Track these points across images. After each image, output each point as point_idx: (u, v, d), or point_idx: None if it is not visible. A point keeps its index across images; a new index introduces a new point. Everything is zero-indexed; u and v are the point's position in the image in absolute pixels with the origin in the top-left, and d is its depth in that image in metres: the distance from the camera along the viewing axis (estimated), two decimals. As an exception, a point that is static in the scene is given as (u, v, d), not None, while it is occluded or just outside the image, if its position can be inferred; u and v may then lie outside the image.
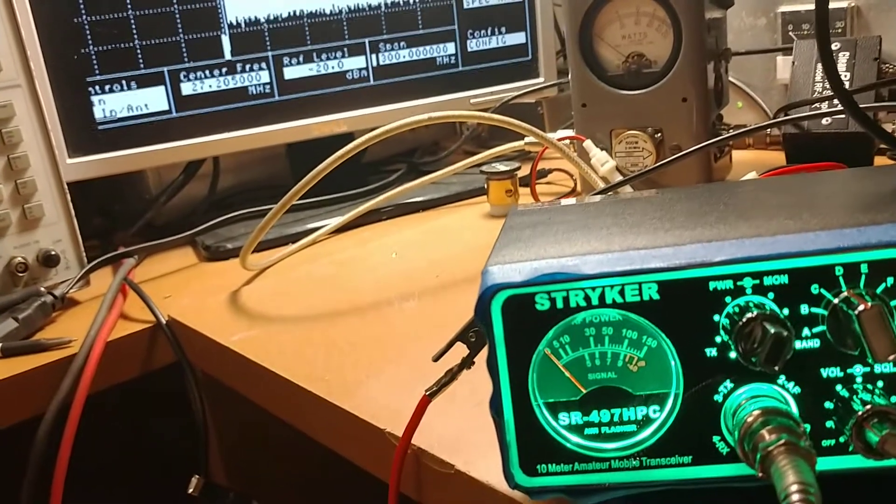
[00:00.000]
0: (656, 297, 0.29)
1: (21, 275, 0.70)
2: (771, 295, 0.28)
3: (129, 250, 0.79)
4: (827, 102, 0.73)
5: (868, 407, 0.27)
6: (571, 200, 0.55)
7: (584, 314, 0.29)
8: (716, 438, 0.29)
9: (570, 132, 0.81)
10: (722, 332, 0.28)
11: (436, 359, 0.45)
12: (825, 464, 0.29)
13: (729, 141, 0.75)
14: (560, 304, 0.29)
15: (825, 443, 0.28)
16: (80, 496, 0.62)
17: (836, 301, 0.27)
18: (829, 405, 0.28)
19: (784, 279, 0.28)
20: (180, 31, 0.84)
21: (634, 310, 0.29)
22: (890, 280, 0.27)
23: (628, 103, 0.76)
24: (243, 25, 0.86)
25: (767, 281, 0.28)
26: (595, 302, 0.29)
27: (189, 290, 0.75)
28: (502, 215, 0.83)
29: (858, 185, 0.45)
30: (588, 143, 0.77)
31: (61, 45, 0.79)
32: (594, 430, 0.30)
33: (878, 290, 0.27)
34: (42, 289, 0.70)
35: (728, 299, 0.28)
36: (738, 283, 0.28)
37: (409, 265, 0.73)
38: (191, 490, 0.64)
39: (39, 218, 0.71)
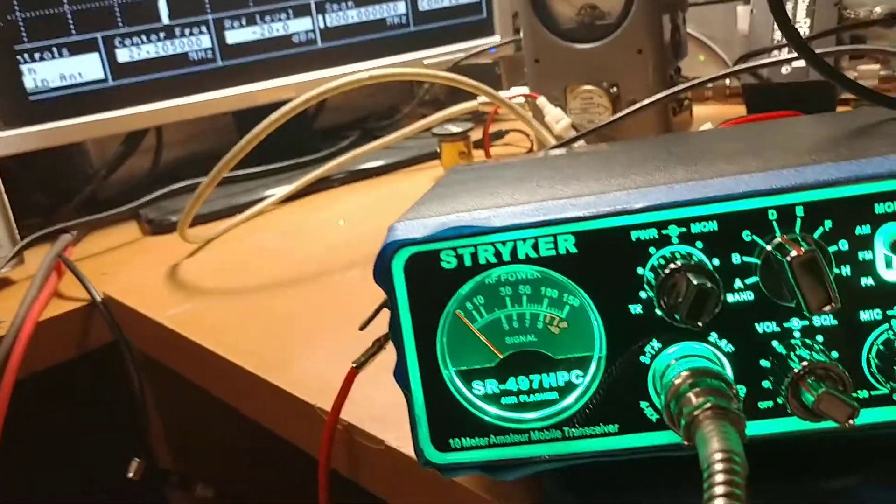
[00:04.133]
0: (574, 250, 0.26)
1: (-53, 255, 0.66)
2: (699, 244, 0.25)
3: (65, 226, 0.75)
4: (787, 50, 0.70)
5: (805, 364, 0.24)
6: (517, 158, 0.52)
7: (498, 271, 0.26)
8: (644, 404, 0.26)
9: (524, 89, 0.78)
10: (647, 286, 0.26)
11: (362, 328, 0.42)
12: (762, 427, 0.26)
13: (685, 93, 0.72)
14: (468, 262, 0.26)
15: (762, 405, 0.26)
16: (17, 481, 0.59)
17: (769, 248, 0.24)
18: (765, 363, 0.26)
19: (713, 226, 0.25)
20: (113, -7, 0.79)
21: (551, 265, 0.26)
22: (828, 224, 0.25)
23: (582, 57, 0.73)
24: (180, -13, 0.82)
25: (695, 228, 0.25)
26: (507, 258, 0.26)
27: (129, 265, 0.72)
28: (457, 179, 0.80)
29: (812, 130, 0.42)
30: (542, 100, 0.74)
31: (-16, 11, 0.75)
32: (512, 399, 0.27)
33: (816, 235, 0.25)
34: (-29, 269, 0.66)
35: (653, 250, 0.25)
36: (663, 232, 0.25)
37: (357, 233, 0.70)
38: (131, 474, 0.61)
39: (-36, 195, 0.67)
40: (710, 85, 0.87)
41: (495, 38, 0.96)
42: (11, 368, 0.58)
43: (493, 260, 0.26)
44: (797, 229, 0.25)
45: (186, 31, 0.83)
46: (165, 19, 0.82)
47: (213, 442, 0.70)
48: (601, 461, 0.27)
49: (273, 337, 0.52)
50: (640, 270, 0.26)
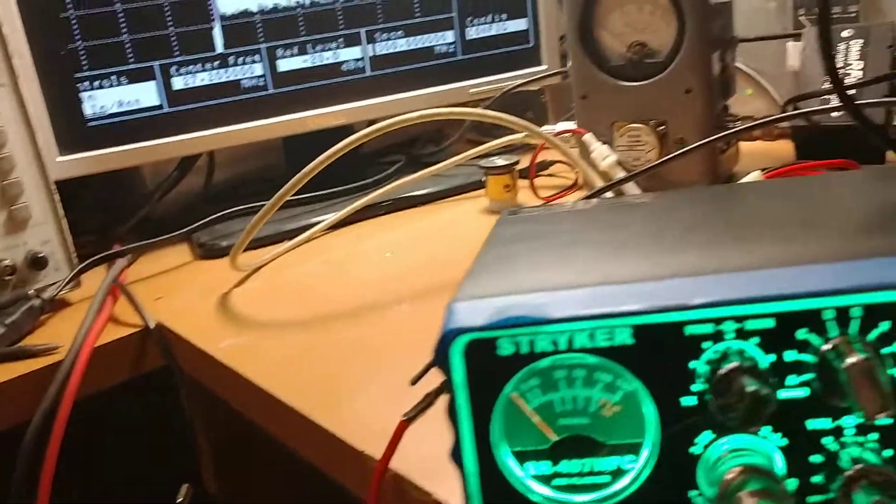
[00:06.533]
0: (630, 341, 0.26)
1: (8, 278, 0.69)
2: (755, 340, 0.26)
3: (121, 250, 0.77)
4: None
5: (858, 467, 0.24)
6: (568, 203, 0.53)
7: (554, 358, 0.27)
8: (693, 493, 0.27)
9: (570, 124, 0.79)
10: (700, 379, 0.26)
11: (413, 383, 0.43)
12: (812, 522, 0.26)
13: (734, 136, 0.72)
14: (525, 349, 0.27)
15: (811, 499, 0.26)
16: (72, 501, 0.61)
17: (824, 348, 0.25)
18: (816, 459, 0.26)
19: (769, 323, 0.25)
20: (170, 23, 0.82)
21: (606, 354, 0.27)
22: (885, 325, 0.25)
23: (630, 95, 0.73)
24: (235, 17, 0.84)
25: (750, 325, 0.26)
26: (563, 347, 0.27)
27: (182, 290, 0.74)
28: (501, 210, 0.81)
29: (867, 193, 0.42)
30: (589, 137, 0.75)
31: (48, 40, 0.77)
32: (564, 482, 0.28)
33: (871, 337, 0.25)
34: (31, 292, 0.68)
35: (707, 344, 0.26)
36: (718, 327, 0.26)
37: (404, 265, 0.71)
38: (180, 499, 0.63)
39: (27, 219, 0.70)
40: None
41: (542, 68, 0.96)
42: (69, 393, 0.60)
43: (549, 349, 0.27)
44: (853, 330, 0.25)
45: (240, 59, 0.85)
46: (220, 48, 0.84)
47: (260, 468, 0.71)
48: (650, 546, 0.27)
49: (323, 375, 0.53)
50: (693, 364, 0.26)
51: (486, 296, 0.28)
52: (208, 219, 0.81)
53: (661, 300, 0.26)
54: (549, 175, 0.89)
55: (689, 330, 0.26)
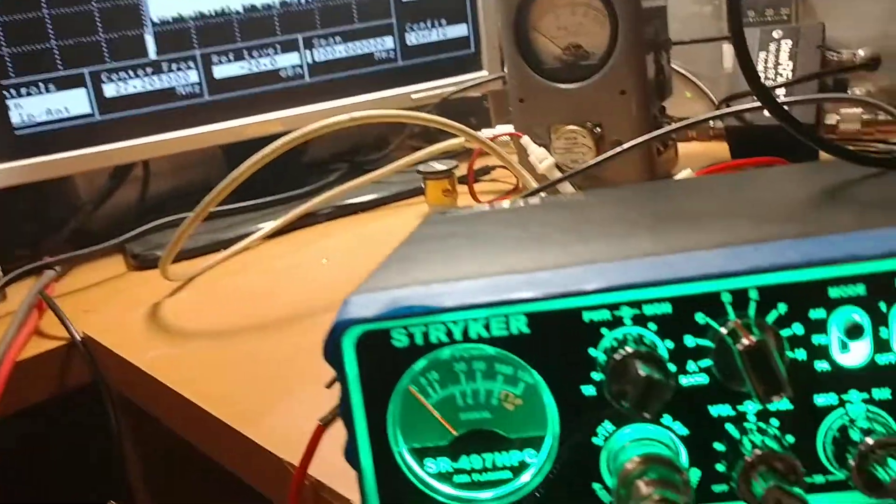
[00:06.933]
0: (526, 330, 0.25)
1: (-72, 292, 0.66)
2: (652, 326, 0.25)
3: (48, 262, 0.75)
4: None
5: (756, 452, 0.24)
6: (505, 203, 0.52)
7: (451, 349, 0.26)
8: (597, 486, 0.26)
9: (509, 128, 0.78)
10: (599, 368, 0.25)
11: (328, 386, 0.42)
12: (717, 511, 0.26)
13: (670, 135, 0.72)
14: (420, 340, 0.26)
15: (716, 488, 0.25)
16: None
17: (722, 332, 0.24)
18: (719, 447, 0.25)
19: (667, 307, 0.25)
20: (100, 29, 0.80)
21: (503, 344, 0.26)
22: (782, 307, 0.24)
23: (566, 97, 0.73)
24: (168, 23, 0.82)
25: (648, 310, 0.25)
26: (458, 337, 0.26)
27: (112, 302, 0.71)
28: (441, 216, 0.80)
29: (785, 189, 0.42)
30: (525, 140, 0.74)
31: (-30, 47, 0.75)
32: (465, 479, 0.27)
33: (770, 319, 0.24)
34: (-49, 306, 0.66)
35: (605, 331, 0.25)
36: (616, 314, 0.25)
37: (340, 273, 0.69)
38: (106, 517, 0.60)
39: (-53, 232, 0.67)
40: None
41: (483, 73, 0.96)
42: (-13, 410, 0.57)
43: (444, 339, 0.26)
44: (751, 312, 0.24)
45: (174, 65, 0.83)
46: (153, 54, 0.82)
47: (191, 481, 0.69)
48: (554, 543, 0.26)
49: (250, 384, 0.52)
50: (592, 352, 0.25)
51: (384, 288, 0.27)
52: (140, 229, 0.79)
53: (555, 287, 0.25)
54: (492, 180, 0.89)
55: (588, 316, 0.25)
